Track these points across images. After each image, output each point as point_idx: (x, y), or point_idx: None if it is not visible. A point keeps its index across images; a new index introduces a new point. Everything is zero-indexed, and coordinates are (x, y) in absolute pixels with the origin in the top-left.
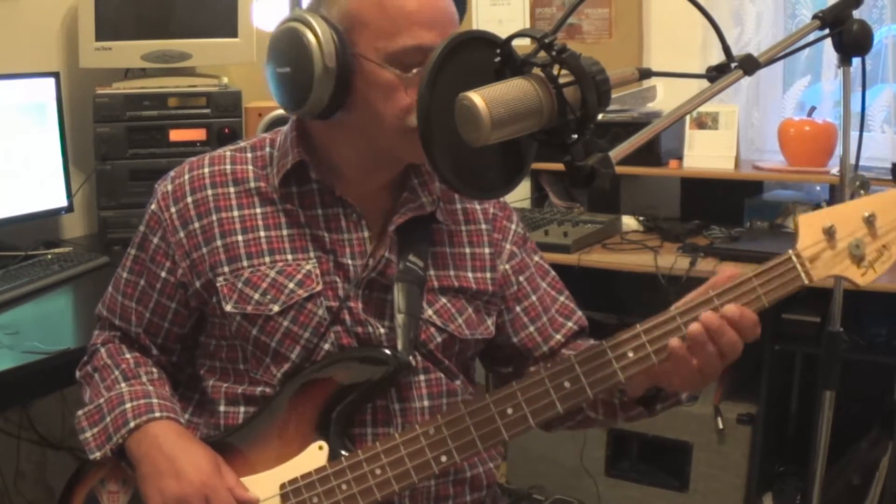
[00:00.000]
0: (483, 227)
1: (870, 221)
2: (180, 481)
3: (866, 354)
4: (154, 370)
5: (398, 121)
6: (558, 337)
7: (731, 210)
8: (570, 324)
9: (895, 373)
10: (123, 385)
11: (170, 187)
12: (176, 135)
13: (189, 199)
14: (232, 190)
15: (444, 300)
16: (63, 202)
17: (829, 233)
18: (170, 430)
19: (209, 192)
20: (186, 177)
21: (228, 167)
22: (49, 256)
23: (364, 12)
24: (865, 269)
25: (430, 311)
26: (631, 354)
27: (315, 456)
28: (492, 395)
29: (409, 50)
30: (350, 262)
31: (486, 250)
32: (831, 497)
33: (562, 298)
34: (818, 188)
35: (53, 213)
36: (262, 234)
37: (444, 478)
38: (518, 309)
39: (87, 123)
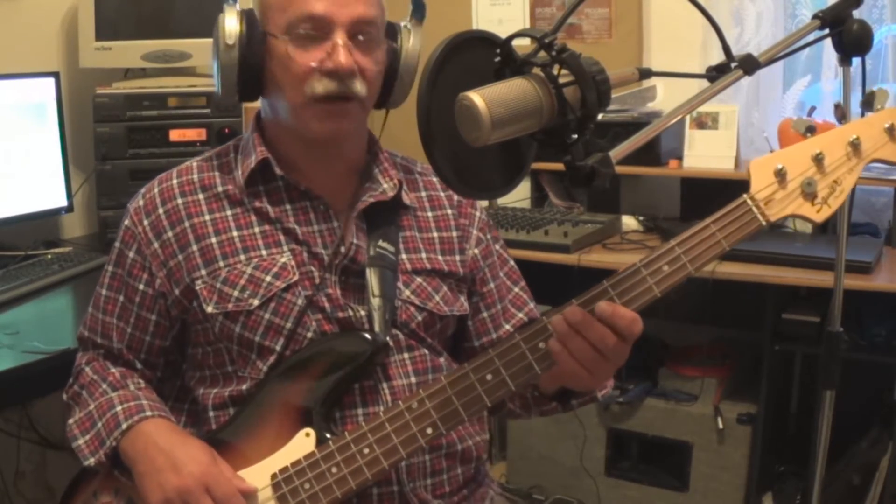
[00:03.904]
0: (449, 212)
1: (819, 160)
2: (180, 474)
3: (866, 354)
4: (141, 381)
5: (297, 92)
6: (507, 327)
7: None
8: (520, 314)
9: (895, 373)
10: (112, 393)
11: (141, 202)
12: (176, 135)
13: (160, 211)
14: (201, 196)
15: (419, 280)
16: (63, 202)
17: (781, 174)
18: (163, 426)
19: (179, 200)
20: (156, 190)
21: (195, 176)
22: (49, 256)
23: None
24: (820, 205)
25: (407, 292)
26: (542, 346)
27: (303, 443)
28: (470, 364)
29: (299, 18)
30: (323, 251)
31: (454, 234)
32: (831, 497)
33: (516, 289)
34: None
35: (53, 213)
36: (234, 233)
37: (437, 452)
38: (478, 294)
39: (87, 123)
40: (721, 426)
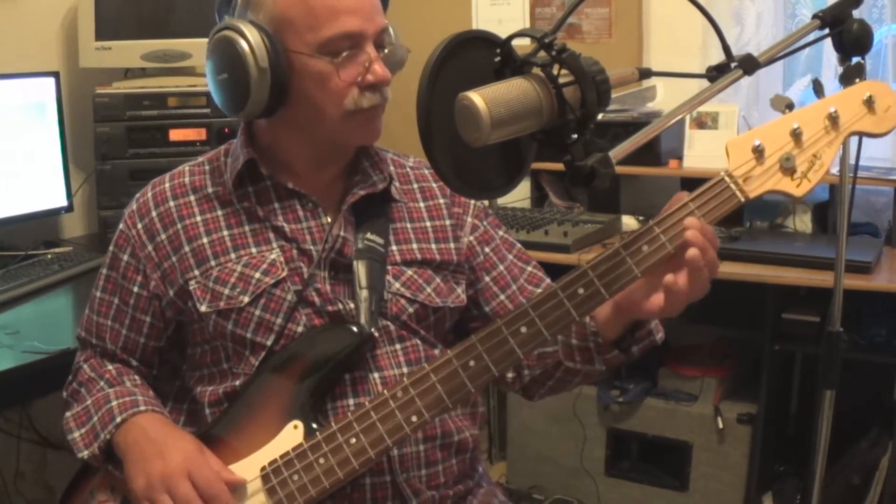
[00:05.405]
0: (441, 201)
1: (797, 134)
2: (165, 461)
3: (866, 354)
4: (137, 378)
5: (337, 107)
6: None
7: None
8: (538, 291)
9: (895, 373)
10: (109, 389)
11: (135, 206)
12: (176, 134)
13: (154, 214)
14: (192, 198)
15: (410, 272)
16: (63, 202)
17: (758, 151)
18: (156, 420)
19: (171, 203)
20: (150, 194)
21: (187, 179)
22: (49, 256)
23: (289, 11)
24: (799, 179)
25: (397, 285)
26: (581, 291)
27: (292, 435)
28: (453, 350)
29: (335, 38)
30: (312, 247)
31: (447, 222)
32: (831, 497)
33: (529, 268)
34: (817, 187)
35: (53, 213)
36: (225, 233)
37: (432, 442)
38: (487, 279)
39: (87, 123)
40: (721, 426)
